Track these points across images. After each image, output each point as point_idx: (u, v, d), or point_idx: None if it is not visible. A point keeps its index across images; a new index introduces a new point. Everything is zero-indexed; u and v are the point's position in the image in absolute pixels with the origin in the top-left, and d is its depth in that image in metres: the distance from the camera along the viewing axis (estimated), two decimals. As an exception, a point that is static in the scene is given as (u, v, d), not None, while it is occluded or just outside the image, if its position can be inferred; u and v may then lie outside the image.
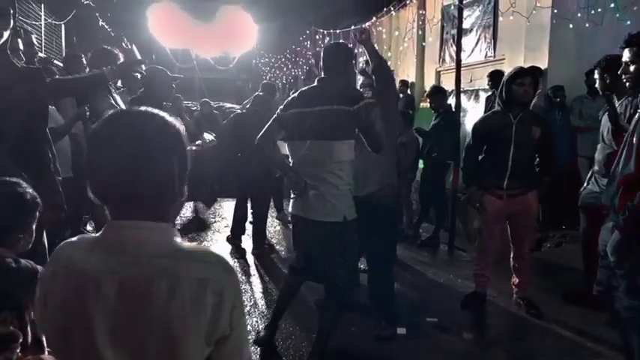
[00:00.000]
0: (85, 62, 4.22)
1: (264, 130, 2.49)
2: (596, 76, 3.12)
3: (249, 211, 4.80)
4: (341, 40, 9.60)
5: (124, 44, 4.24)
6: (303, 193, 2.37)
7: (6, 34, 2.08)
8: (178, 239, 0.97)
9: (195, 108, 8.62)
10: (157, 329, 0.88)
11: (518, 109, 3.16)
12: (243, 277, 4.05)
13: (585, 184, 3.29)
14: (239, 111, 6.80)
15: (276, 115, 2.50)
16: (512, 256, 3.42)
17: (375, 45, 2.96)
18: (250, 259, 4.49)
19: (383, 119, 2.59)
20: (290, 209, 2.56)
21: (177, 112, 5.93)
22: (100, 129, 0.94)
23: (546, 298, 3.53)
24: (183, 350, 0.89)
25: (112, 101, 3.30)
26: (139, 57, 4.26)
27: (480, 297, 3.43)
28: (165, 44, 10.21)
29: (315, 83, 2.50)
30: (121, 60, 3.47)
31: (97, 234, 0.96)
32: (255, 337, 2.83)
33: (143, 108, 0.97)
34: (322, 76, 2.48)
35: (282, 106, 2.50)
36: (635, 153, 2.06)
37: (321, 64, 2.49)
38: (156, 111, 0.97)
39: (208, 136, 7.23)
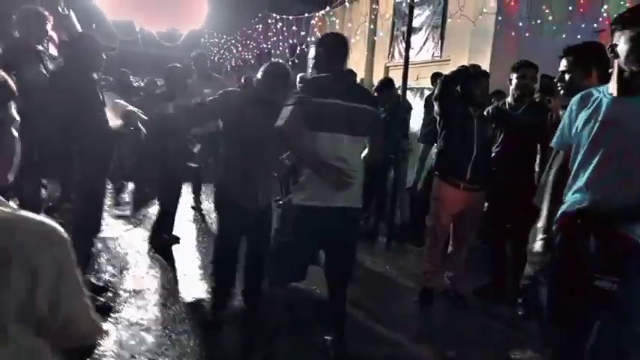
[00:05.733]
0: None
1: (288, 117, 2.27)
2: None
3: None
4: (293, 27, 9.56)
5: (60, 9, 3.94)
6: (345, 185, 2.35)
7: None
8: None
9: (137, 84, 8.20)
10: None
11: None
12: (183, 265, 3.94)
13: None
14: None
15: (296, 106, 2.31)
16: (450, 250, 3.55)
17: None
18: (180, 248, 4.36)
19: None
20: (302, 201, 2.41)
21: (125, 89, 5.60)
22: None
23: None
24: None
25: (43, 70, 3.07)
26: (77, 24, 3.99)
27: (432, 293, 3.49)
28: (107, 13, 9.64)
29: (336, 77, 2.46)
30: (50, 22, 3.19)
31: None
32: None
33: None
34: (336, 67, 2.49)
35: (298, 97, 2.35)
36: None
37: (329, 54, 2.46)
38: None
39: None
